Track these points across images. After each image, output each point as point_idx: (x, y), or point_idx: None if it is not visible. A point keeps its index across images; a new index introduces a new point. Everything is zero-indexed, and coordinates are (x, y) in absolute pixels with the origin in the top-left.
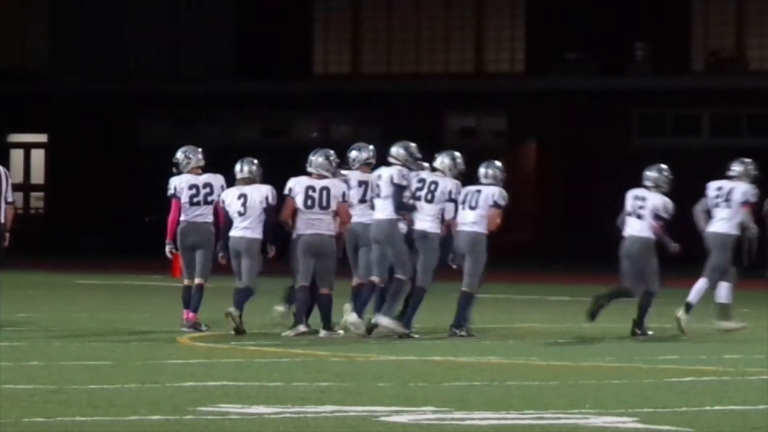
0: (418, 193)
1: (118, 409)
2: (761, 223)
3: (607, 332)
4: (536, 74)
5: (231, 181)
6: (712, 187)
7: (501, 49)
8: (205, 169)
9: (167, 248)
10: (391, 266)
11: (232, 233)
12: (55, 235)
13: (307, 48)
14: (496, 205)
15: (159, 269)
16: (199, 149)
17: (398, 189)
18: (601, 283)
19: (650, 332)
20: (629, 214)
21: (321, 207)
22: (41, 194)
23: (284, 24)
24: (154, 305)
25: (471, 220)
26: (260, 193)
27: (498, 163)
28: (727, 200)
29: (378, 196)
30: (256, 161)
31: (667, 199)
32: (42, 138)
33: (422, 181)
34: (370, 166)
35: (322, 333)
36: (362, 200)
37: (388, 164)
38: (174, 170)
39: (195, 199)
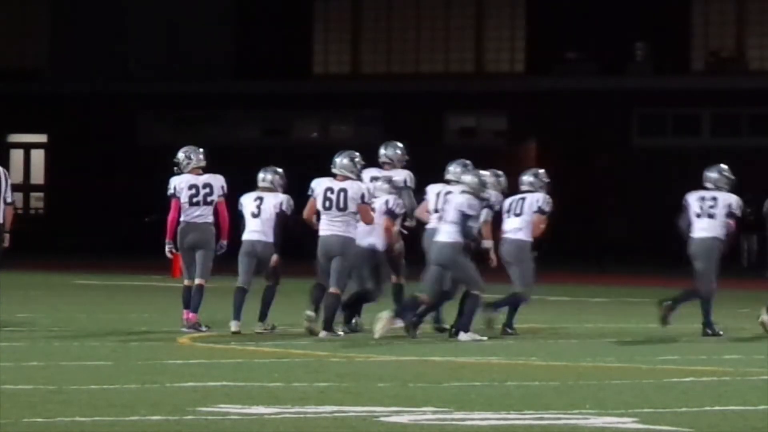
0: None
1: (118, 409)
2: (761, 223)
3: (607, 332)
4: (536, 74)
5: (231, 182)
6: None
7: (501, 49)
8: (206, 170)
9: (167, 248)
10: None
11: (246, 236)
12: (55, 235)
13: (307, 48)
14: (540, 210)
15: (159, 269)
16: (201, 150)
17: (464, 218)
18: (601, 283)
19: (721, 332)
20: (698, 215)
21: (338, 209)
22: (41, 194)
23: (284, 24)
24: (154, 305)
25: (516, 227)
26: (276, 199)
27: (542, 171)
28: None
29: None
30: (280, 170)
31: (737, 197)
32: (42, 138)
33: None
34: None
35: (322, 333)
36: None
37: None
38: (175, 170)
39: (194, 199)
